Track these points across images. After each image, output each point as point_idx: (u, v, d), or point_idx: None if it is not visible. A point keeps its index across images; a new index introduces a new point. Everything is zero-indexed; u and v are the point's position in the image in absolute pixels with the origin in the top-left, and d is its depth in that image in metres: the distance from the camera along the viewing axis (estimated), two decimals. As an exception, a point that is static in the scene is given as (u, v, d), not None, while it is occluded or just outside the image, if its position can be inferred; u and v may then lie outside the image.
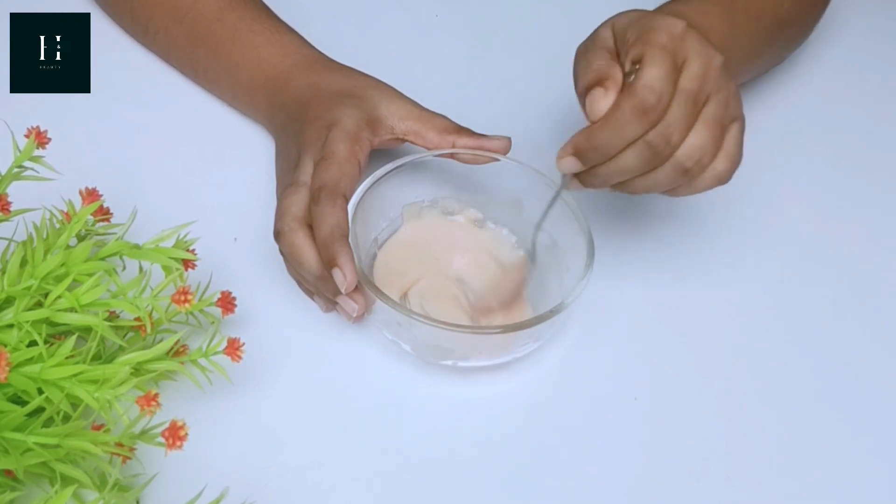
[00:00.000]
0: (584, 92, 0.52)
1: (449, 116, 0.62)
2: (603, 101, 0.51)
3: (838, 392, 0.60)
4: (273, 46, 0.65)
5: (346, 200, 0.55)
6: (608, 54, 0.53)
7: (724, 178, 0.54)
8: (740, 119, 0.55)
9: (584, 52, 0.55)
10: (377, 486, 0.53)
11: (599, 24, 0.57)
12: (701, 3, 0.62)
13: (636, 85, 0.50)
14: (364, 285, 0.54)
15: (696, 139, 0.52)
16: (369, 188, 0.58)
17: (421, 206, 0.62)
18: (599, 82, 0.51)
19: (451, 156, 0.61)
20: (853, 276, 0.66)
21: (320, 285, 0.55)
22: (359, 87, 0.62)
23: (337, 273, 0.53)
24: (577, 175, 0.54)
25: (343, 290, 0.53)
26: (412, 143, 0.62)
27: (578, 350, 0.60)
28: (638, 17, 0.54)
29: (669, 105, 0.51)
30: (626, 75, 0.52)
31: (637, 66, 0.51)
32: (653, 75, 0.50)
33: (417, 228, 0.62)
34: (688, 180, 0.53)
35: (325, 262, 0.54)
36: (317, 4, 0.78)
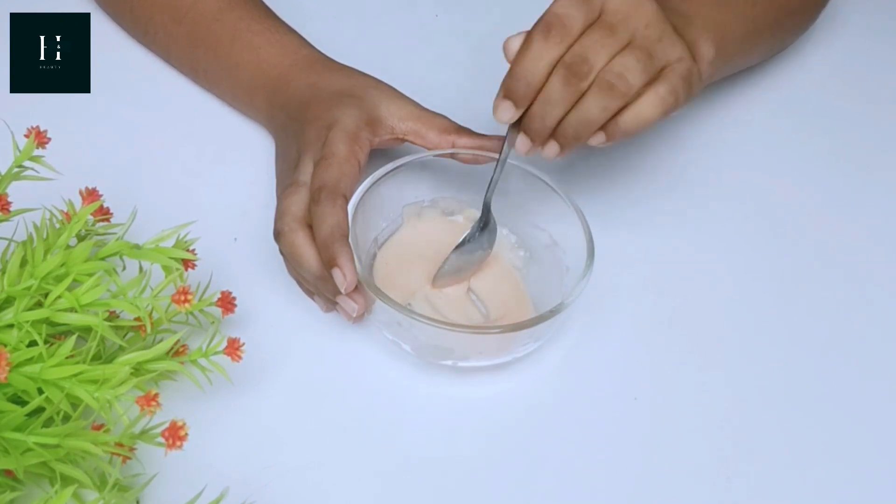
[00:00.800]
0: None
1: (449, 117, 0.62)
2: (513, 41, 0.53)
3: (839, 391, 0.60)
4: (273, 46, 0.65)
5: (346, 200, 0.56)
6: None
7: (651, 117, 0.54)
8: (683, 61, 0.54)
9: None
10: (377, 486, 0.53)
11: None
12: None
13: (544, 14, 0.52)
14: (364, 285, 0.54)
15: (620, 59, 0.52)
16: (369, 188, 0.58)
17: (421, 206, 0.62)
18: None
19: (451, 156, 0.61)
20: (854, 275, 0.66)
21: (320, 285, 0.55)
22: (358, 87, 0.62)
23: (337, 273, 0.53)
24: (520, 129, 0.54)
25: (343, 290, 0.53)
26: (412, 142, 0.62)
27: (578, 350, 0.60)
28: None
29: (585, 32, 0.52)
30: None
31: None
32: (556, 4, 0.52)
33: (418, 228, 0.62)
34: (616, 103, 0.52)
35: (324, 262, 0.54)
36: (317, 4, 0.78)
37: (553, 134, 0.54)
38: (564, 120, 0.53)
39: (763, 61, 0.75)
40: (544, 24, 0.52)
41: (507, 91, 0.53)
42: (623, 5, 0.52)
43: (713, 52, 0.58)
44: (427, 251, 0.61)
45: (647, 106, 0.53)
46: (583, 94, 0.52)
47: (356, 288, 0.54)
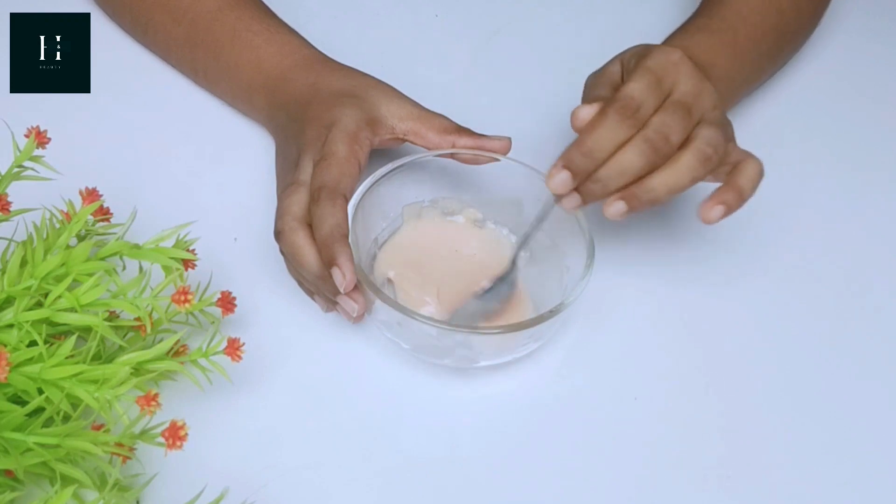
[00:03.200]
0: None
1: (449, 116, 0.62)
2: (585, 110, 0.54)
3: (840, 391, 0.60)
4: (272, 46, 0.66)
5: (346, 200, 0.56)
6: (612, 90, 0.57)
7: (760, 169, 0.57)
8: (734, 141, 0.58)
9: (592, 84, 0.60)
10: (377, 485, 0.53)
11: (604, 40, 0.61)
12: (705, 38, 0.65)
13: (619, 93, 0.54)
14: (364, 285, 0.54)
15: (708, 132, 0.54)
16: (369, 188, 0.58)
17: (421, 206, 0.62)
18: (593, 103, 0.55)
19: (452, 156, 0.61)
20: (854, 276, 0.66)
21: (320, 285, 0.55)
22: (359, 87, 0.62)
23: (336, 272, 0.53)
24: (576, 189, 0.54)
25: (342, 290, 0.53)
26: (412, 143, 0.62)
27: (578, 350, 0.60)
28: (641, 49, 0.58)
29: (658, 112, 0.54)
30: None
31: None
32: (634, 87, 0.54)
33: (419, 229, 0.62)
34: (708, 171, 0.55)
35: (324, 261, 0.54)
36: (317, 4, 0.78)
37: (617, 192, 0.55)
38: (649, 184, 0.54)
39: None
40: (620, 105, 0.53)
41: (568, 162, 0.53)
42: (692, 89, 0.55)
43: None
44: (443, 252, 0.61)
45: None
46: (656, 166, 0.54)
47: (356, 287, 0.54)
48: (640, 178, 0.54)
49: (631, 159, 0.53)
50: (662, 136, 0.53)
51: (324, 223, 0.54)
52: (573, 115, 0.55)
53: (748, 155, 0.57)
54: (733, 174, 0.56)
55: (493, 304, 0.58)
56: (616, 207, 0.54)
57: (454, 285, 0.59)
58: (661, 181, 0.54)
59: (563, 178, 0.53)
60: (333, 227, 0.54)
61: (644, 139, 0.53)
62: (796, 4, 0.72)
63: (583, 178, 0.53)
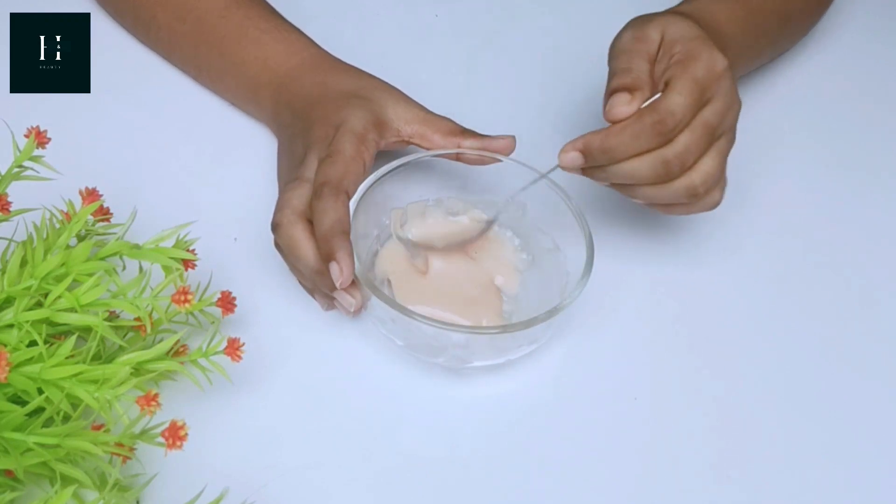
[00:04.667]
0: (612, 91, 0.55)
1: (448, 116, 0.62)
2: (625, 107, 0.54)
3: (839, 392, 0.60)
4: (280, 44, 0.66)
5: (349, 198, 0.55)
6: (648, 64, 0.56)
7: (716, 206, 0.59)
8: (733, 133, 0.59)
9: (628, 50, 0.57)
10: (377, 486, 0.53)
11: (638, 15, 0.59)
12: (726, 5, 0.64)
13: (661, 105, 0.53)
14: (360, 281, 0.54)
15: (709, 167, 0.56)
16: (372, 185, 0.58)
17: (426, 205, 0.62)
18: (629, 90, 0.54)
19: (456, 157, 0.61)
20: (854, 275, 0.66)
21: (317, 279, 0.55)
22: (366, 89, 0.62)
23: (334, 267, 0.53)
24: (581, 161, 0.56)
25: (338, 285, 0.53)
26: (417, 145, 0.62)
27: (578, 350, 0.60)
28: (689, 37, 0.56)
29: (686, 129, 0.54)
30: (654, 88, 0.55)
31: (666, 87, 0.54)
32: (678, 102, 0.53)
33: (422, 229, 0.62)
34: (692, 202, 0.57)
35: (323, 255, 0.54)
36: (317, 4, 0.78)
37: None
38: (635, 189, 0.56)
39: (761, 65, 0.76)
40: (659, 121, 0.53)
41: (586, 151, 0.55)
42: (723, 107, 0.55)
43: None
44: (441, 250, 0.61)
45: (700, 207, 0.58)
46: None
47: (354, 283, 0.54)
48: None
49: (643, 171, 0.54)
50: (680, 162, 0.54)
51: (325, 217, 0.54)
52: (611, 105, 0.54)
53: (719, 184, 0.58)
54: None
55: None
56: (572, 159, 0.56)
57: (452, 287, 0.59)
58: (646, 191, 0.56)
59: (573, 159, 0.55)
60: (335, 221, 0.54)
61: (663, 160, 0.54)
62: None
63: (592, 164, 0.55)
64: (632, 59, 0.56)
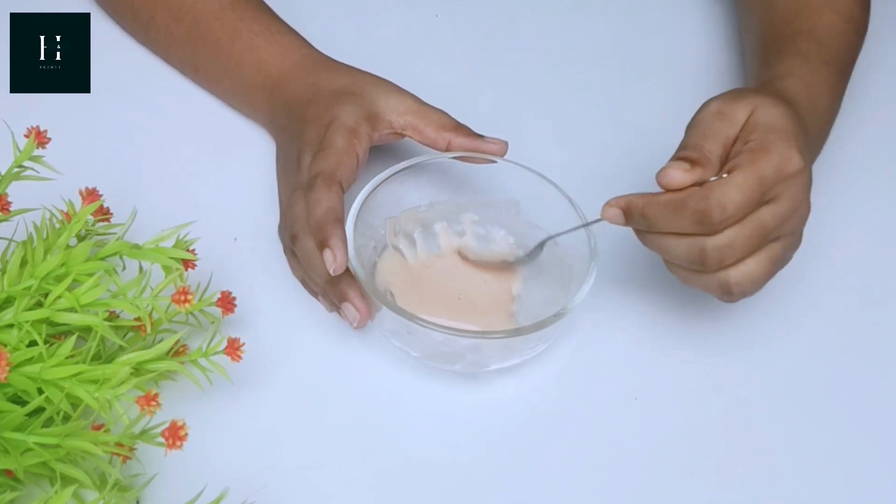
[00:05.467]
0: (676, 157, 0.52)
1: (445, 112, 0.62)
2: (680, 175, 0.51)
3: (840, 392, 0.60)
4: (273, 46, 0.65)
5: (342, 189, 0.55)
6: (723, 149, 0.52)
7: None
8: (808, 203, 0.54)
9: (709, 126, 0.53)
10: (377, 486, 0.53)
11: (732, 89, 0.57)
12: (820, 74, 0.62)
13: (712, 194, 0.50)
14: (370, 294, 0.54)
15: (752, 269, 0.52)
16: (368, 196, 0.58)
17: (419, 211, 0.62)
18: (693, 162, 0.51)
19: (446, 150, 0.61)
20: (854, 276, 0.66)
21: (328, 290, 0.55)
22: (357, 85, 0.62)
23: (327, 254, 0.52)
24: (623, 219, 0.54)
25: (331, 272, 0.52)
26: (410, 137, 0.61)
27: (582, 352, 0.60)
28: (772, 128, 0.52)
29: (736, 224, 0.50)
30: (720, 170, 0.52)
31: (728, 175, 0.50)
32: (732, 198, 0.49)
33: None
34: (722, 297, 0.53)
35: (317, 243, 0.53)
36: (317, 4, 0.78)
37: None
38: (664, 252, 0.54)
39: None
40: (705, 209, 0.49)
41: (628, 212, 0.53)
42: (787, 210, 0.51)
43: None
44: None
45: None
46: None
47: (361, 295, 0.54)
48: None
49: (679, 251, 0.52)
50: (719, 257, 0.51)
51: (318, 207, 0.54)
52: (668, 167, 0.51)
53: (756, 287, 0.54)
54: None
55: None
56: (613, 216, 0.54)
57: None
58: (675, 269, 0.54)
59: (615, 216, 0.54)
60: (327, 210, 0.54)
61: (701, 248, 0.51)
62: (855, 15, 0.69)
63: (627, 225, 0.54)
64: (706, 137, 0.52)
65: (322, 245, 0.53)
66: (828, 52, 0.63)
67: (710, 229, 0.50)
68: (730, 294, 0.52)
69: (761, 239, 0.51)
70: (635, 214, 0.53)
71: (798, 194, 0.52)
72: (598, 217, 0.55)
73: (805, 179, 0.52)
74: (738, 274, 0.52)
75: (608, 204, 0.54)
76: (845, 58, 0.66)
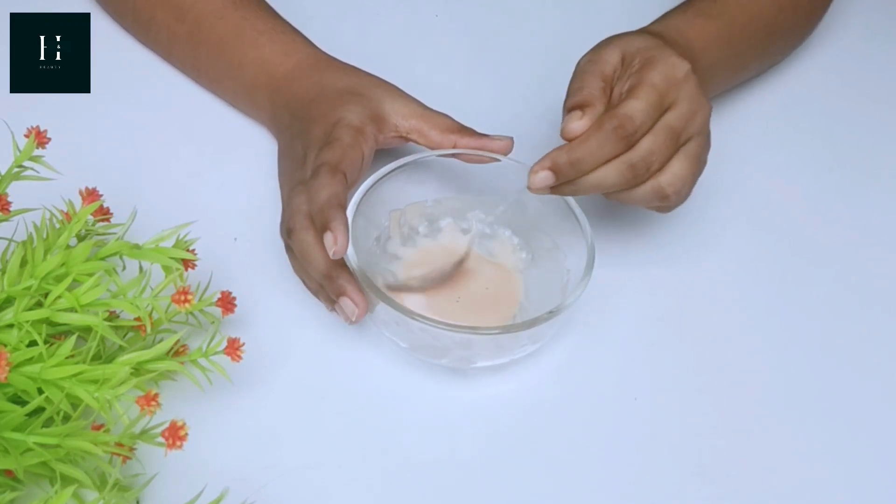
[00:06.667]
0: (566, 111, 0.56)
1: (449, 115, 0.62)
2: (577, 122, 0.55)
3: (839, 392, 0.60)
4: (277, 45, 0.65)
5: (346, 179, 0.55)
6: (602, 83, 0.56)
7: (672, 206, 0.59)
8: (706, 133, 0.58)
9: (583, 70, 0.58)
10: (377, 486, 0.53)
11: (605, 37, 0.59)
12: (702, 23, 0.64)
13: (619, 110, 0.54)
14: (364, 285, 0.54)
15: (677, 169, 0.56)
16: (371, 187, 0.58)
17: (424, 205, 0.62)
18: (581, 107, 0.55)
19: (454, 155, 0.61)
20: (854, 276, 0.66)
21: (326, 284, 0.55)
22: (363, 86, 0.62)
23: (328, 237, 0.52)
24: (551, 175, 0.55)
25: (331, 255, 0.52)
26: (415, 142, 0.62)
27: (579, 350, 0.60)
28: (647, 47, 0.57)
29: (648, 133, 0.55)
30: (610, 103, 0.56)
31: (627, 95, 0.55)
32: (635, 106, 0.54)
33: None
34: (663, 206, 0.58)
35: (318, 228, 0.53)
36: (317, 4, 0.78)
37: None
38: (598, 187, 0.56)
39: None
40: (619, 126, 0.54)
41: (554, 166, 0.54)
42: (688, 111, 0.56)
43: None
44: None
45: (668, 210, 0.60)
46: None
47: (357, 290, 0.54)
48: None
49: (611, 177, 0.55)
50: (645, 165, 0.55)
51: (321, 192, 0.54)
52: (565, 126, 0.55)
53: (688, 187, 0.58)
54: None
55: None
56: (543, 179, 0.55)
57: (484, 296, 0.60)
58: (614, 194, 0.57)
59: (544, 178, 0.54)
60: (330, 195, 0.53)
61: (628, 164, 0.54)
62: (794, 2, 0.72)
63: (563, 181, 0.55)
64: (584, 78, 0.57)
65: (323, 228, 0.52)
66: (713, 8, 0.66)
67: (629, 142, 0.54)
68: (666, 198, 0.56)
69: (674, 140, 0.55)
70: (563, 166, 0.54)
71: (693, 95, 0.56)
72: (527, 188, 0.55)
73: (695, 81, 0.56)
74: (666, 176, 0.56)
75: (532, 171, 0.54)
76: (741, 17, 0.67)
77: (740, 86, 0.74)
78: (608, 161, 0.54)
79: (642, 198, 0.57)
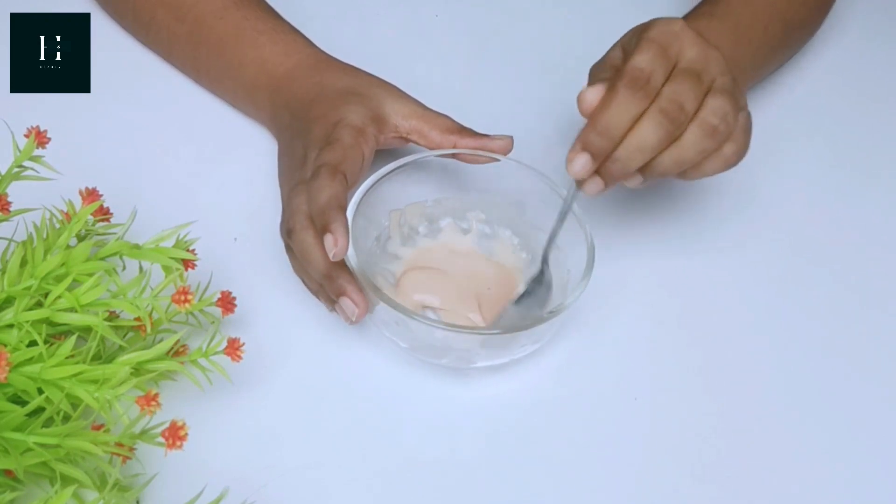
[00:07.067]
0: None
1: (448, 116, 0.62)
2: (590, 93, 0.53)
3: (839, 392, 0.60)
4: (277, 45, 0.66)
5: (346, 180, 0.55)
6: (613, 70, 0.55)
7: (732, 162, 0.56)
8: (746, 110, 0.56)
9: (595, 73, 0.58)
10: (377, 486, 0.53)
11: (605, 37, 0.60)
12: (707, 22, 0.64)
13: (625, 67, 0.52)
14: (364, 285, 0.54)
15: (717, 102, 0.53)
16: (371, 187, 0.58)
17: (424, 205, 0.62)
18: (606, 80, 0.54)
19: (453, 156, 0.61)
20: (854, 276, 0.66)
21: (326, 284, 0.55)
22: (363, 86, 0.62)
23: (328, 238, 0.52)
24: (596, 172, 0.54)
25: (331, 257, 0.52)
26: (415, 142, 0.62)
27: (579, 350, 0.60)
28: (640, 26, 0.56)
29: (669, 80, 0.52)
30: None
31: None
32: (639, 59, 0.52)
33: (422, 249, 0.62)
34: (713, 146, 0.54)
35: (318, 228, 0.53)
36: (317, 4, 0.78)
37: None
38: (656, 160, 0.53)
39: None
40: (630, 79, 0.52)
41: (586, 144, 0.52)
42: (699, 55, 0.54)
43: None
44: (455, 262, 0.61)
45: (714, 164, 0.55)
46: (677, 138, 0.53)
47: (357, 290, 0.54)
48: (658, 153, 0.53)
49: (648, 133, 0.52)
50: (677, 105, 0.52)
51: (321, 194, 0.54)
52: (580, 98, 0.53)
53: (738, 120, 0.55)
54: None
55: (534, 310, 0.57)
56: (634, 181, 0.54)
57: (488, 294, 0.59)
58: (667, 156, 0.53)
59: (583, 162, 0.53)
60: (330, 197, 0.53)
61: (659, 110, 0.52)
62: None
63: (602, 158, 0.53)
64: (597, 75, 0.57)
65: (324, 230, 0.52)
66: (717, 8, 0.66)
67: (647, 91, 0.52)
68: (716, 132, 0.53)
69: (696, 80, 0.53)
70: (593, 139, 0.52)
71: (696, 41, 0.54)
72: (572, 188, 0.55)
73: (693, 31, 0.54)
74: (707, 111, 0.53)
75: (568, 160, 0.53)
76: (747, 17, 0.67)
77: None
78: (639, 121, 0.52)
79: (694, 144, 0.53)
